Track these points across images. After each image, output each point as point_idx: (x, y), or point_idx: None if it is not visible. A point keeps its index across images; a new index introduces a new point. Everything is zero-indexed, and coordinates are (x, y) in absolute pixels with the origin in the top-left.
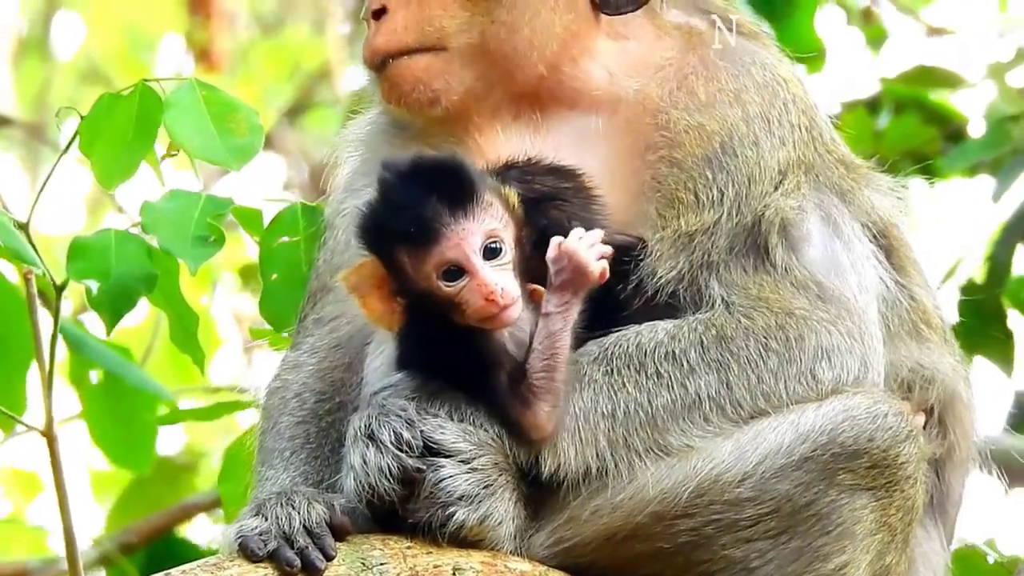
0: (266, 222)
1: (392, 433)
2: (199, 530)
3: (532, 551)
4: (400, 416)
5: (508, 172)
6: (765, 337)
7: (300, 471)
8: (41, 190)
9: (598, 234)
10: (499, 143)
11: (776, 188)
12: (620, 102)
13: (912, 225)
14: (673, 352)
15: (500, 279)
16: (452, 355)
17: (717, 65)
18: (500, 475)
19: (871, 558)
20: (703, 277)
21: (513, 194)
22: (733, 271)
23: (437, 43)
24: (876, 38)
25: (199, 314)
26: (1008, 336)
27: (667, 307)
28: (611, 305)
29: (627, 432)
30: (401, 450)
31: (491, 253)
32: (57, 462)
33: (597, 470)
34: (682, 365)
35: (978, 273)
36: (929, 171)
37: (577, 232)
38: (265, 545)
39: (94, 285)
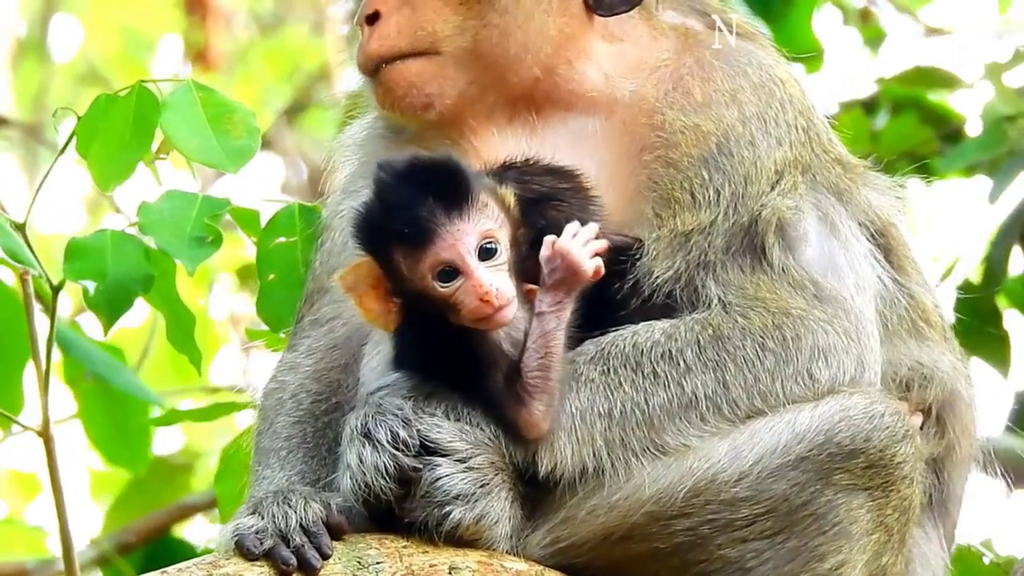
0: (264, 223)
1: (388, 432)
2: (196, 530)
3: (528, 551)
4: (396, 415)
5: (506, 172)
6: (762, 337)
7: (297, 470)
8: (38, 191)
9: (594, 228)
10: (494, 146)
11: (773, 188)
12: (616, 103)
13: (911, 224)
14: (670, 352)
15: (495, 280)
16: (448, 355)
17: (713, 65)
18: (496, 474)
19: (867, 558)
20: (700, 277)
21: (509, 194)
22: (730, 271)
23: (430, 47)
24: (873, 38)
25: (197, 315)
26: (1004, 337)
27: (664, 307)
28: (608, 305)
29: (623, 432)
30: (397, 449)
31: (486, 254)
32: (53, 462)
33: (593, 469)
34: (679, 365)
35: (975, 274)
36: (926, 171)
37: (572, 227)
38: (261, 543)
39: (91, 285)
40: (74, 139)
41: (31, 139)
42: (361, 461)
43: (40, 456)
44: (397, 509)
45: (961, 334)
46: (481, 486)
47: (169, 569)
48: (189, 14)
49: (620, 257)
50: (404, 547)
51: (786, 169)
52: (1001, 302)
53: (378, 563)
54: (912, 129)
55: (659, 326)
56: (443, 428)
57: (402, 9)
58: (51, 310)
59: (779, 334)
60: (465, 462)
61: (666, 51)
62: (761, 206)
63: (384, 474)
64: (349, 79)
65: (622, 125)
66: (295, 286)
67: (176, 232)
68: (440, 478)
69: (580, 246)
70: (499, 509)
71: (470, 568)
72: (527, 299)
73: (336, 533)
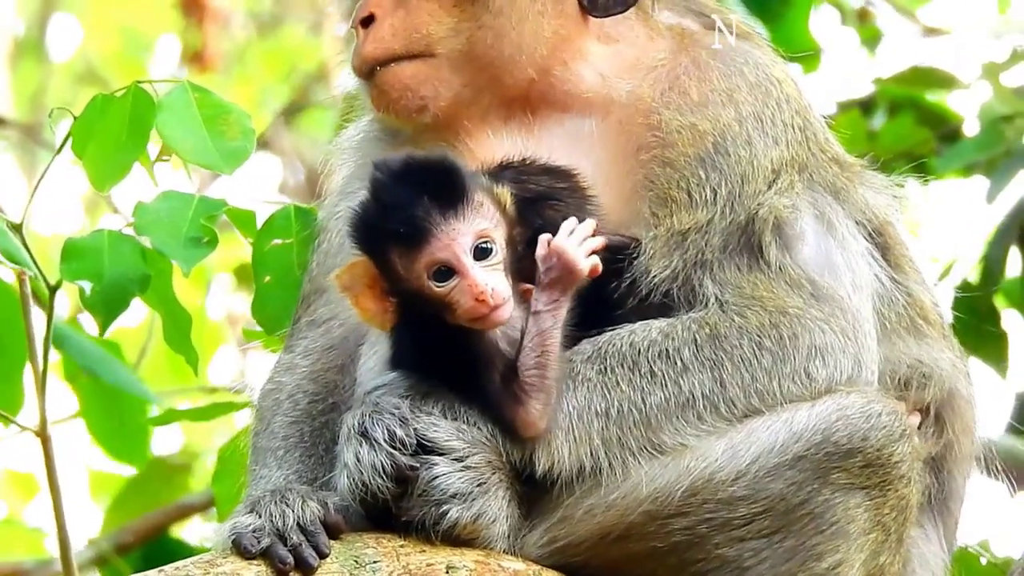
0: (260, 224)
1: (386, 431)
2: (194, 530)
3: (525, 550)
4: (394, 414)
5: (502, 172)
6: (759, 335)
7: (294, 469)
8: (34, 191)
9: (591, 224)
10: (490, 147)
11: (770, 187)
12: (612, 103)
13: (908, 223)
14: (667, 350)
15: (490, 280)
16: (444, 354)
17: (709, 65)
18: (494, 473)
19: (865, 557)
20: (697, 276)
21: (506, 194)
22: (727, 269)
23: (425, 50)
24: (871, 38)
25: (194, 314)
26: (1002, 336)
27: (661, 306)
28: (605, 304)
29: (621, 431)
30: (395, 448)
31: (482, 253)
32: (51, 462)
33: (591, 469)
34: (676, 363)
35: (973, 273)
36: (923, 171)
37: (569, 224)
38: (259, 542)
39: (87, 286)
40: (70, 139)
41: (29, 139)
42: (358, 460)
43: (38, 456)
44: (394, 508)
45: (959, 334)
46: (478, 485)
47: (166, 568)
48: (186, 15)
49: (617, 256)
50: (401, 546)
51: (783, 168)
52: (999, 301)
53: (375, 562)
54: (909, 129)
55: (656, 325)
56: (440, 427)
57: (396, 12)
58: (48, 310)
59: (776, 333)
60: (462, 461)
61: (662, 51)
62: (758, 205)
63: (381, 473)
64: (346, 80)
65: (618, 125)
66: (291, 288)
67: (172, 233)
68: (437, 477)
69: (576, 245)
70: (496, 508)
71: (467, 567)
72: (523, 298)
73: (333, 532)
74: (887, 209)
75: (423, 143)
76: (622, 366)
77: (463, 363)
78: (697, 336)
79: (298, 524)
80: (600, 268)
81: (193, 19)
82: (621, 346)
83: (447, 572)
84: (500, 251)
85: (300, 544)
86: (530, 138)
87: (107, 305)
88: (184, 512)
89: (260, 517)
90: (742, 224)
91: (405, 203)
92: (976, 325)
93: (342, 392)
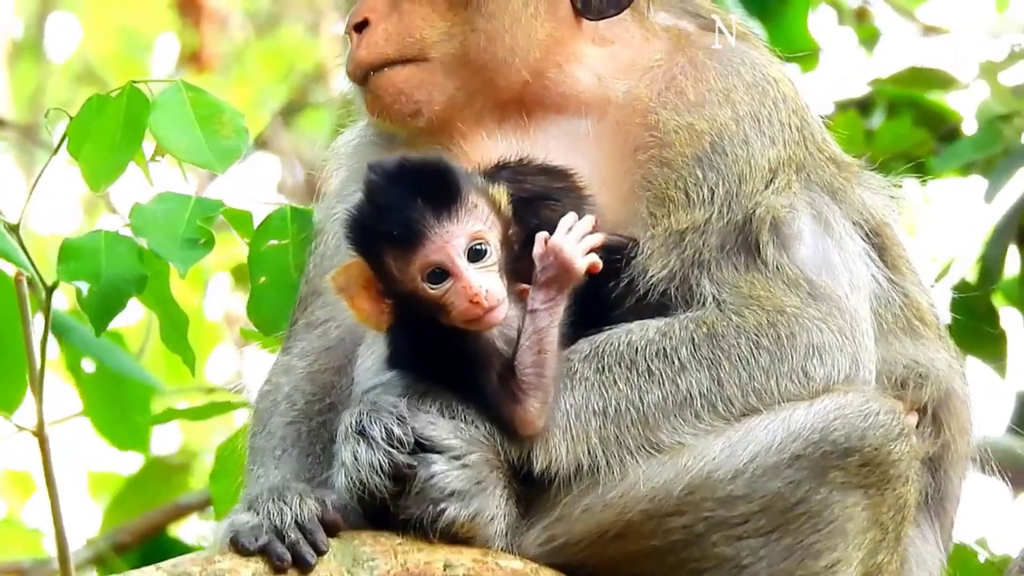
0: (257, 224)
1: (383, 429)
2: (192, 529)
3: (523, 549)
4: (391, 412)
5: (499, 172)
6: (756, 335)
7: (291, 468)
8: (31, 191)
9: (589, 222)
10: (485, 150)
11: (767, 186)
12: (609, 104)
13: (906, 224)
14: (664, 350)
15: (485, 281)
16: (441, 354)
17: (706, 65)
18: (491, 472)
19: (863, 556)
20: (694, 275)
21: (501, 194)
22: (724, 269)
23: (418, 54)
24: (869, 38)
25: (192, 314)
26: (1001, 335)
27: (658, 305)
28: (603, 304)
29: (618, 429)
30: (392, 446)
31: (476, 255)
32: (48, 462)
33: (588, 467)
34: (673, 363)
35: (971, 273)
36: (921, 170)
37: (567, 221)
38: (256, 540)
39: (84, 286)
40: (67, 140)
41: (27, 139)
42: (356, 458)
43: (36, 456)
44: (392, 506)
45: (958, 333)
46: (476, 483)
47: (163, 564)
48: (183, 15)
49: (615, 256)
50: (399, 544)
51: (780, 168)
52: (997, 301)
53: (372, 560)
54: (908, 129)
55: (654, 324)
56: (438, 425)
57: (390, 16)
58: (45, 311)
59: (774, 332)
60: (460, 459)
61: (659, 52)
62: (755, 204)
63: (379, 471)
64: (343, 82)
65: (615, 125)
66: (286, 289)
67: (168, 234)
68: (435, 475)
69: (573, 243)
70: (494, 506)
71: (465, 566)
72: (520, 298)
73: (331, 530)
74: (884, 209)
75: (418, 147)
76: (620, 365)
77: (460, 363)
78: (695, 335)
79: (296, 522)
80: (600, 265)
81: (190, 20)
82: (619, 345)
83: (445, 570)
84: (495, 252)
85: (298, 542)
86: (526, 139)
87: (104, 306)
88: (182, 511)
89: (258, 515)
90: (739, 224)
91: (399, 205)
92: (975, 325)
93: (339, 392)
